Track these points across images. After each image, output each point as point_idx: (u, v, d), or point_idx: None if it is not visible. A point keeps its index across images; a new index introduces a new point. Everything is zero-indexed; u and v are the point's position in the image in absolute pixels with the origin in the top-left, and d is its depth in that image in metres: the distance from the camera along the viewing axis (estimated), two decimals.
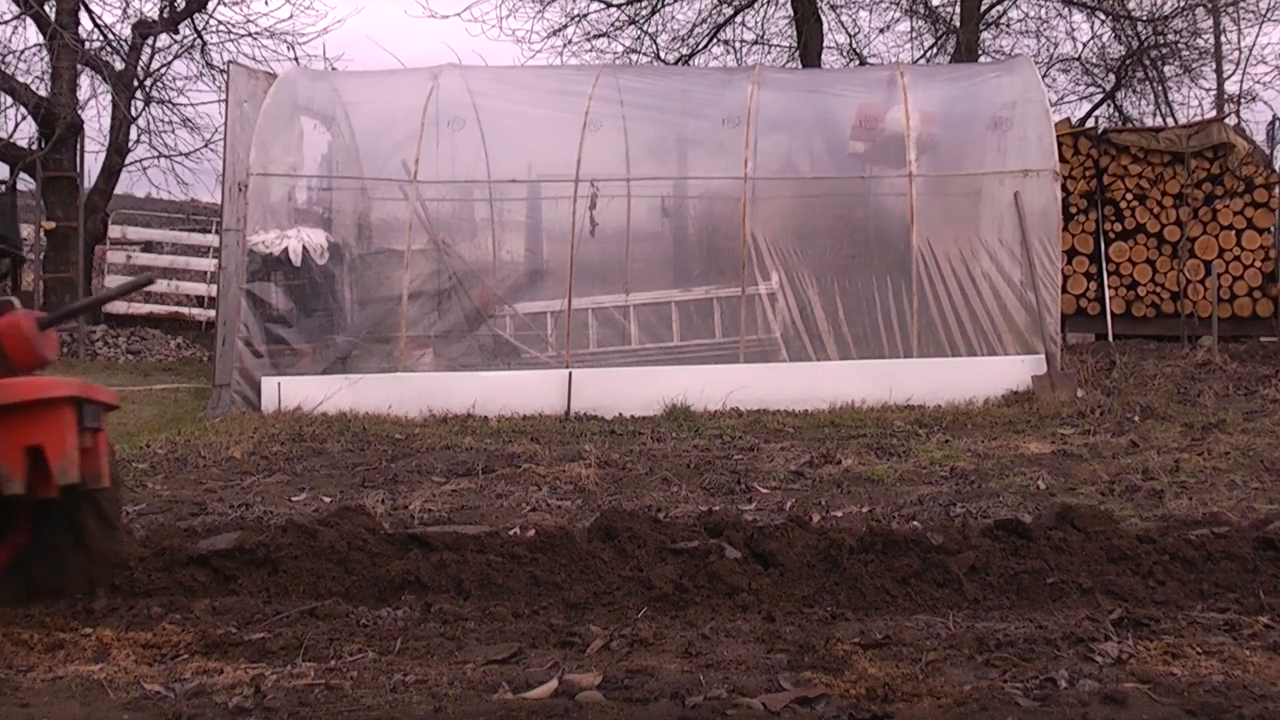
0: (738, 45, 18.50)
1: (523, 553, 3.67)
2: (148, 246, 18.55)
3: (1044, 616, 3.02)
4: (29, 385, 3.02)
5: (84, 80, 16.56)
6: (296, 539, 3.75)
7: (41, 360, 3.13)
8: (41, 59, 16.06)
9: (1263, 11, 17.26)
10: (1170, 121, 16.99)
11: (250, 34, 16.63)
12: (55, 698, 2.41)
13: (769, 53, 18.51)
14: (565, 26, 17.85)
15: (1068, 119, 13.82)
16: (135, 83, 16.57)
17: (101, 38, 16.57)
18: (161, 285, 17.75)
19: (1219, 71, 18.21)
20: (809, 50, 16.76)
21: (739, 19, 18.35)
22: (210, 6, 16.55)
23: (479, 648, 2.82)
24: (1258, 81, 21.84)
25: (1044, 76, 13.72)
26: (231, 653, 2.76)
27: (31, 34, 16.56)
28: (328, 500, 5.25)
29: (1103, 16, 17.95)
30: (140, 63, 16.54)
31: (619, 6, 17.86)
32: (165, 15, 16.58)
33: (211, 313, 14.45)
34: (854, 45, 18.65)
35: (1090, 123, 15.35)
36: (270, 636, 2.80)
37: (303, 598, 3.36)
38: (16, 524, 3.21)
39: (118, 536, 3.43)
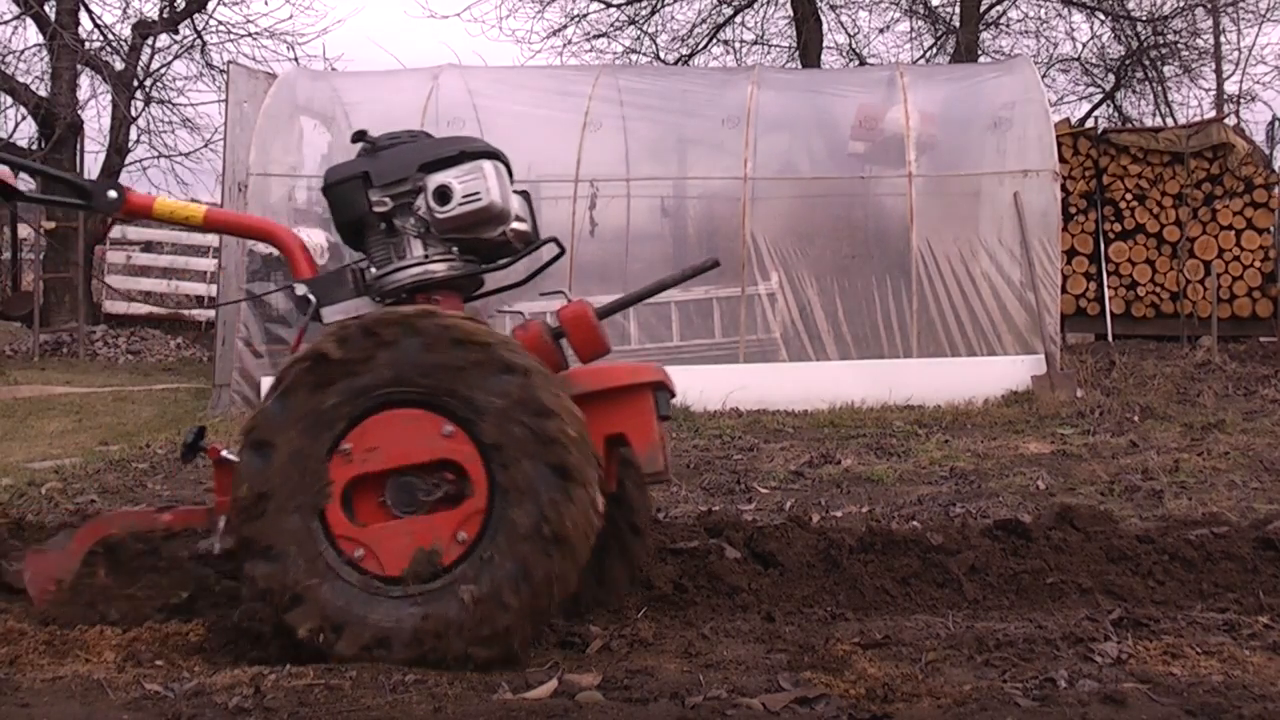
0: (737, 45, 18.51)
1: None
2: (148, 246, 18.55)
3: (1044, 616, 3.02)
4: (619, 370, 2.95)
5: (84, 80, 16.57)
6: None
7: (605, 350, 3.03)
8: (41, 59, 16.07)
9: (1262, 11, 17.27)
10: (1170, 122, 17.00)
11: (250, 34, 16.63)
12: (55, 698, 2.41)
13: (769, 53, 18.51)
14: (565, 27, 17.86)
15: (1067, 119, 13.82)
16: (135, 83, 16.58)
17: (101, 38, 16.57)
18: (161, 285, 17.77)
19: (1218, 72, 18.22)
20: (809, 50, 16.76)
21: (739, 19, 18.36)
22: (210, 7, 16.56)
23: None
24: (1257, 81, 21.86)
25: (1044, 77, 13.72)
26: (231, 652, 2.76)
27: (31, 34, 16.55)
28: None
29: (1102, 16, 17.96)
30: (140, 63, 16.55)
31: (619, 6, 17.86)
32: (165, 15, 16.58)
33: (211, 313, 14.45)
34: (854, 45, 18.67)
35: (1090, 123, 15.36)
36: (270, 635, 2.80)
37: None
38: None
39: (644, 545, 3.21)
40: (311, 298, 3.04)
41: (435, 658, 2.56)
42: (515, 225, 3.04)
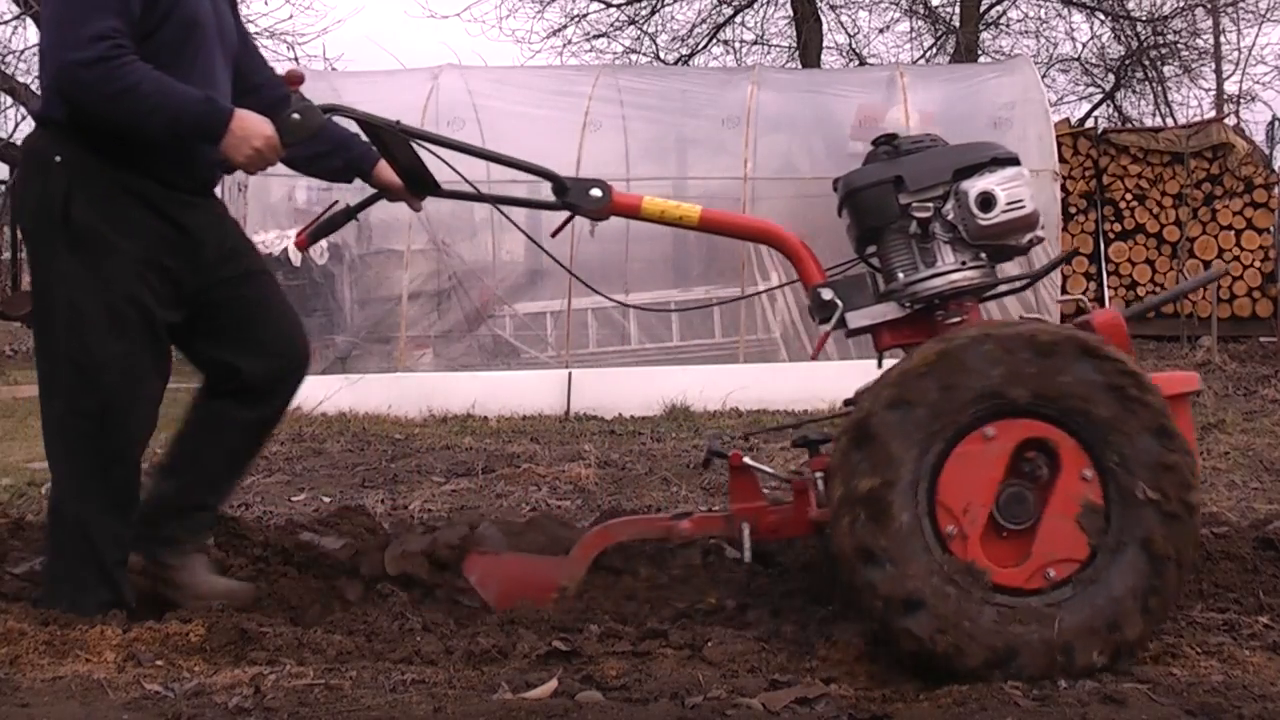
0: (737, 45, 18.53)
1: None
2: None
3: None
4: (1176, 379, 2.85)
5: None
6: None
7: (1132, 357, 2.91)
8: None
9: (1262, 12, 17.29)
10: (1170, 122, 17.01)
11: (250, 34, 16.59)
12: (55, 698, 2.41)
13: (769, 53, 18.53)
14: (565, 27, 17.88)
15: (1067, 119, 13.84)
16: None
17: None
18: None
19: (1218, 72, 18.24)
20: (809, 50, 16.76)
21: (739, 19, 18.38)
22: None
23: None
24: (1257, 82, 21.92)
25: (1043, 77, 13.73)
26: (233, 651, 2.76)
27: (31, 34, 16.56)
28: (327, 500, 5.25)
29: (1102, 17, 17.97)
30: None
31: (619, 6, 17.88)
32: None
33: None
34: (854, 45, 18.69)
35: (1090, 123, 15.37)
36: (271, 634, 2.80)
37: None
38: None
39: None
40: (839, 302, 2.98)
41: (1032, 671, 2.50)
42: (1038, 232, 2.97)
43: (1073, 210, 11.67)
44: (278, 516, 4.75)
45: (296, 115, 2.92)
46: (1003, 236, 2.89)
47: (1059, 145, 10.01)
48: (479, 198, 3.44)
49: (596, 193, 3.11)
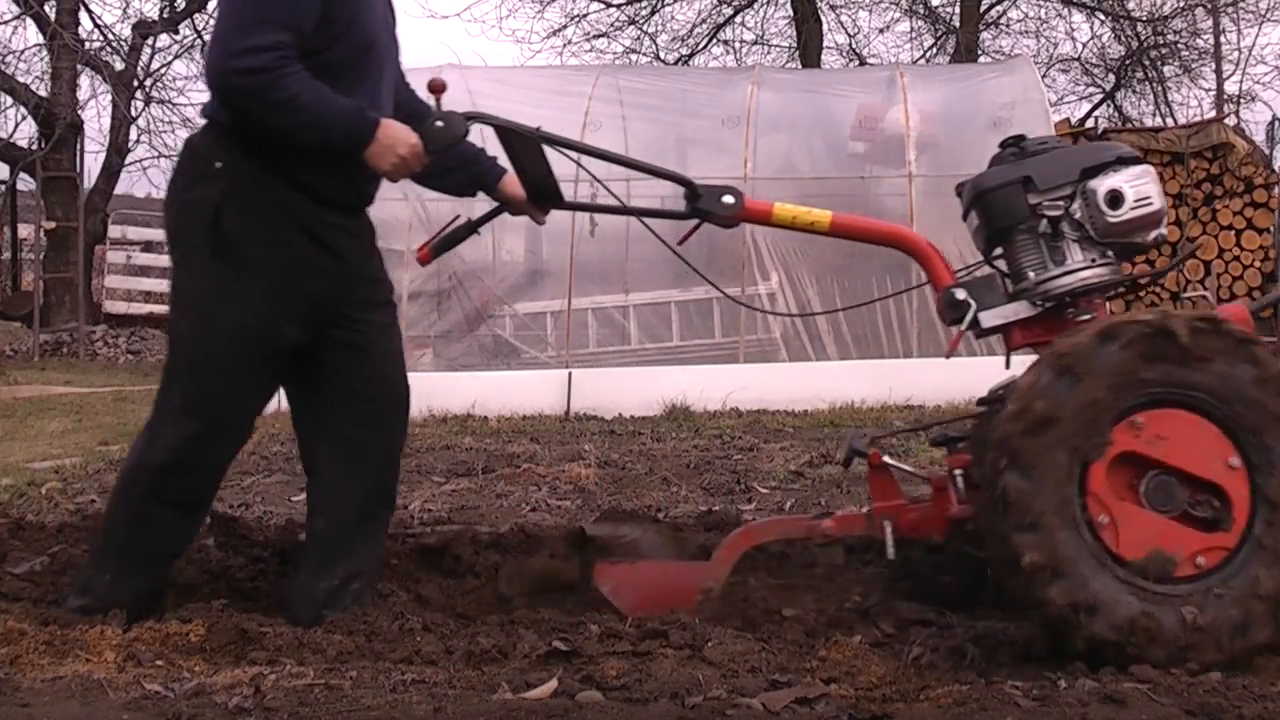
0: (737, 45, 18.55)
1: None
2: (148, 246, 18.57)
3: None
4: None
5: (84, 80, 16.59)
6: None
7: None
8: (41, 59, 16.09)
9: (1262, 12, 17.30)
10: (1170, 122, 17.01)
11: None
12: (55, 698, 2.40)
13: (769, 53, 18.54)
14: (565, 27, 17.91)
15: (1067, 119, 13.85)
16: (135, 83, 16.58)
17: (101, 38, 16.59)
18: (162, 285, 17.77)
19: (1218, 72, 18.24)
20: (809, 50, 16.77)
21: (739, 19, 18.39)
22: (210, 7, 16.56)
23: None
24: (1257, 81, 21.94)
25: (1044, 77, 13.73)
26: (233, 651, 2.76)
27: (31, 34, 16.57)
28: None
29: (1102, 17, 17.98)
30: (140, 63, 16.55)
31: (619, 7, 17.88)
32: (165, 15, 16.59)
33: None
34: (854, 45, 18.70)
35: (1090, 123, 15.37)
36: (271, 634, 2.80)
37: None
38: None
39: None
40: (971, 302, 2.99)
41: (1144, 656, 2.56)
42: (1161, 230, 3.02)
43: None
44: (278, 516, 4.75)
45: (440, 123, 2.92)
46: (1130, 234, 2.94)
47: None
48: (604, 209, 3.46)
49: (729, 199, 3.11)
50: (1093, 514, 2.62)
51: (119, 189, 17.61)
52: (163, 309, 17.92)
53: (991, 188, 3.02)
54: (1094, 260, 2.95)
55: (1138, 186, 2.91)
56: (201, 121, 3.13)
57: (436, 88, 2.99)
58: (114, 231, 17.57)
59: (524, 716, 2.27)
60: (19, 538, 3.76)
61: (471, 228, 3.38)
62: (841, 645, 2.67)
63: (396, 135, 2.94)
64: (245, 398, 3.10)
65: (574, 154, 3.16)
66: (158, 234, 18.62)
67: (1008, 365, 3.06)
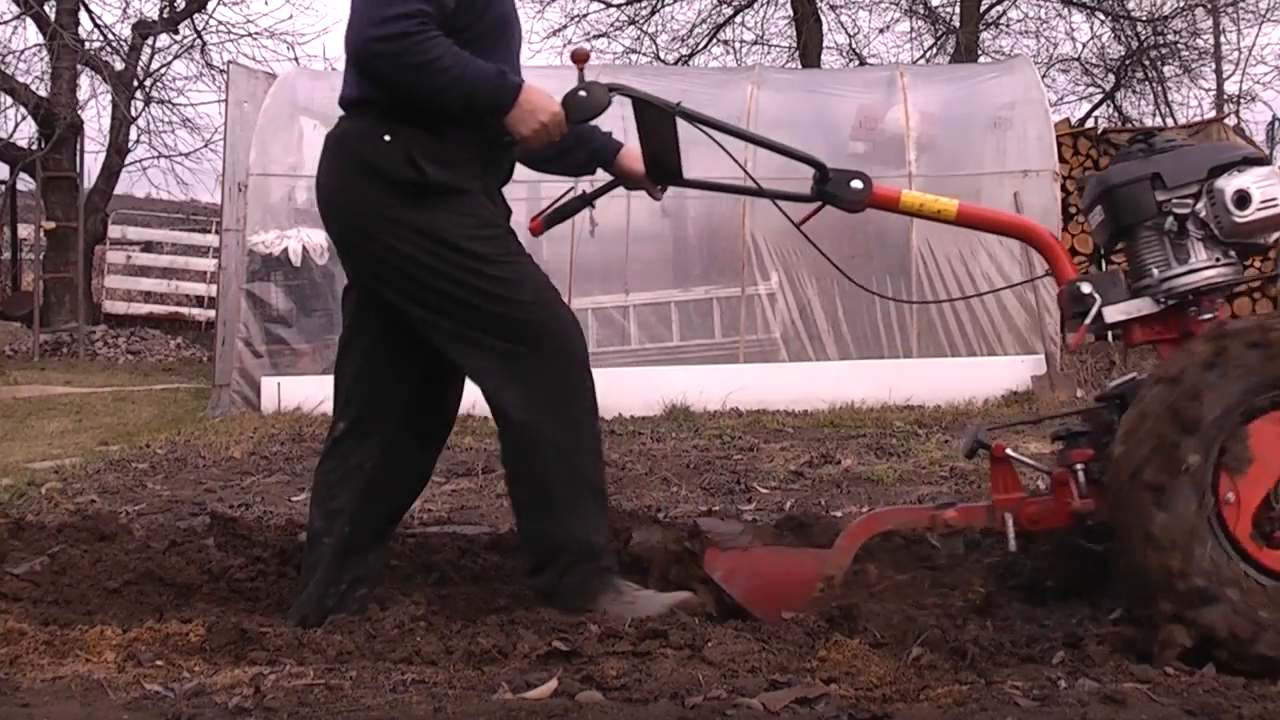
0: (737, 45, 18.54)
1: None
2: (148, 246, 18.55)
3: (1044, 615, 3.02)
4: None
5: (84, 80, 16.59)
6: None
7: None
8: (41, 59, 16.09)
9: (1262, 12, 17.29)
10: (1170, 122, 17.00)
11: (250, 34, 16.64)
12: (55, 698, 2.40)
13: (769, 53, 18.53)
14: (565, 27, 17.91)
15: (1067, 119, 13.84)
16: (135, 83, 16.58)
17: (101, 38, 16.59)
18: (161, 285, 17.76)
19: (1219, 72, 18.24)
20: (809, 50, 16.77)
21: (739, 19, 18.38)
22: (210, 7, 16.58)
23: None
24: (1257, 82, 21.94)
25: (1043, 77, 13.73)
26: (233, 651, 2.76)
27: (31, 34, 16.58)
28: None
29: (1102, 17, 17.97)
30: (140, 63, 16.55)
31: (619, 7, 17.88)
32: (165, 15, 16.59)
33: (211, 313, 14.47)
34: (854, 45, 18.69)
35: (1090, 123, 15.36)
36: (271, 634, 2.80)
37: None
38: None
39: None
40: (1096, 296, 3.00)
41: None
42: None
43: (1073, 210, 11.67)
44: (278, 516, 4.75)
45: (583, 93, 2.93)
46: (1254, 234, 2.96)
47: (1059, 145, 10.00)
48: (720, 188, 3.46)
49: (857, 184, 3.12)
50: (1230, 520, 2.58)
51: (119, 189, 17.61)
52: (162, 309, 17.90)
53: (1120, 183, 3.01)
54: (1218, 260, 2.96)
55: (1265, 188, 2.91)
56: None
57: (580, 57, 3.00)
58: (114, 231, 17.56)
59: (524, 716, 2.27)
60: (19, 538, 3.76)
61: (586, 200, 3.35)
62: (841, 645, 2.67)
63: (539, 102, 2.95)
64: (556, 294, 3.33)
65: (711, 130, 3.14)
66: (158, 234, 18.63)
67: (1124, 362, 3.08)
